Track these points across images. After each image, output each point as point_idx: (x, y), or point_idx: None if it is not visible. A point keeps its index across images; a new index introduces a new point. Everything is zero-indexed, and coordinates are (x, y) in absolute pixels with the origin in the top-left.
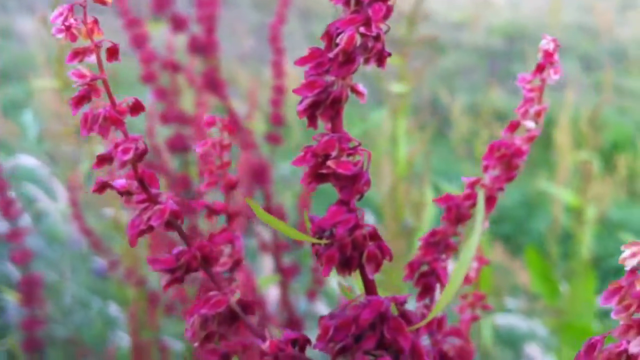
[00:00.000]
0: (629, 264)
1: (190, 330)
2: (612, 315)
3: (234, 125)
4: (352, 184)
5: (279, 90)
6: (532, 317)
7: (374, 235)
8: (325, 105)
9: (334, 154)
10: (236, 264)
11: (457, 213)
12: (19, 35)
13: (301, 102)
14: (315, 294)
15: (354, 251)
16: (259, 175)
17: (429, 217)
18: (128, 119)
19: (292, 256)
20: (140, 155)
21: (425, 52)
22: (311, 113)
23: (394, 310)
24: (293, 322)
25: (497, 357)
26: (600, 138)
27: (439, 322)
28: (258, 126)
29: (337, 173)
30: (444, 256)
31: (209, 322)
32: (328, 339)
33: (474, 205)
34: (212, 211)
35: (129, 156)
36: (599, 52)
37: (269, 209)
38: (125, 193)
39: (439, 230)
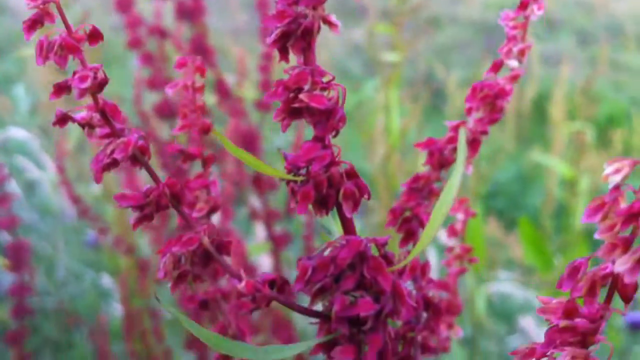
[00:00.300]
0: (613, 180)
1: (162, 269)
2: (596, 235)
3: (203, 69)
4: (327, 119)
5: (267, 57)
6: (526, 289)
7: (351, 173)
8: (296, 37)
9: (306, 87)
10: (213, 210)
11: (440, 157)
12: (12, 11)
13: (271, 33)
14: None
15: (330, 189)
16: (249, 143)
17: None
18: (115, 87)
19: (283, 225)
20: (100, 85)
21: (420, 25)
22: (282, 45)
23: (375, 252)
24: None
25: (491, 329)
26: (594, 109)
27: (423, 269)
28: (247, 94)
29: (311, 107)
30: (426, 202)
31: (182, 261)
32: (306, 279)
33: (456, 149)
34: (187, 156)
35: (87, 84)
36: (594, 27)
37: (259, 177)
38: (87, 125)
39: (422, 175)
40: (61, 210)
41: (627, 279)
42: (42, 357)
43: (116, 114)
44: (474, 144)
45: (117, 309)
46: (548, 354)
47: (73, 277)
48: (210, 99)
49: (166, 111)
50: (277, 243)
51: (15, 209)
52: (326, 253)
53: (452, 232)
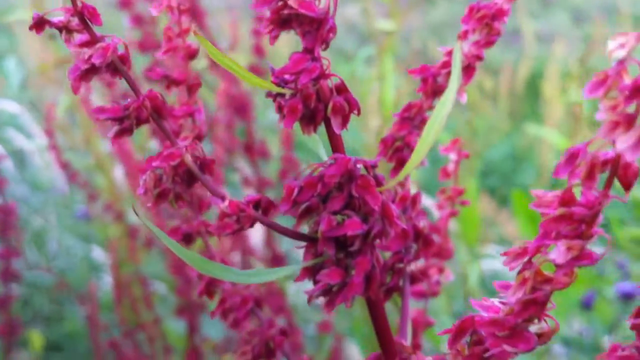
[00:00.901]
0: (617, 56)
1: (142, 187)
2: (597, 116)
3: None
4: (317, 29)
5: (259, 21)
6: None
7: (341, 88)
8: None
9: None
10: (198, 138)
11: (433, 84)
12: None
13: None
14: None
15: (318, 103)
16: (240, 109)
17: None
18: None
19: (275, 193)
20: None
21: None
22: None
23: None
24: (276, 258)
25: None
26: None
27: (413, 199)
28: (240, 58)
29: (300, 15)
30: (418, 131)
31: (163, 179)
32: (292, 200)
33: (450, 74)
34: (171, 81)
35: None
36: (589, 5)
37: (251, 145)
38: (64, 29)
39: (415, 103)
40: (52, 184)
41: (628, 157)
42: (33, 330)
43: (95, 17)
44: (468, 70)
45: (108, 282)
46: (542, 250)
47: (64, 250)
48: (201, 63)
49: (157, 75)
50: (268, 209)
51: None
52: (314, 173)
53: (445, 173)
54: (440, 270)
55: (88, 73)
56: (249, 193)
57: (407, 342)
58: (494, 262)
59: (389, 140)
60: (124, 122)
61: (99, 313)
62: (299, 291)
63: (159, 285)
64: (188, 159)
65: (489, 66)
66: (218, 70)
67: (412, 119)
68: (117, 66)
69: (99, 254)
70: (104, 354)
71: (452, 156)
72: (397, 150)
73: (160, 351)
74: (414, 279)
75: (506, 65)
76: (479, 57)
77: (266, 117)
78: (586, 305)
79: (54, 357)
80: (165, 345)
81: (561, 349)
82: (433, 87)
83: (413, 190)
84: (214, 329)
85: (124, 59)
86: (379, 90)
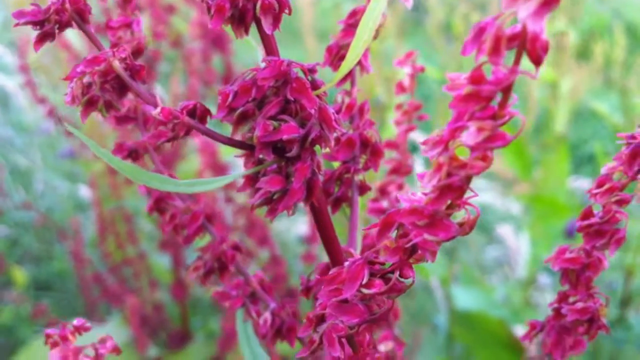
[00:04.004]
0: None
1: (70, 94)
2: None
3: None
4: None
5: None
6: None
7: None
8: None
9: None
10: (137, 51)
11: None
12: None
13: None
14: None
15: (247, 1)
16: (217, 40)
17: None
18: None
19: None
20: None
21: None
22: None
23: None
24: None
25: (470, 240)
26: (578, 10)
27: (361, 108)
28: None
29: None
30: None
31: (92, 86)
32: (227, 106)
33: None
34: None
35: None
36: None
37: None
38: None
39: (359, 9)
40: (36, 125)
41: (531, 25)
42: (23, 269)
43: None
44: None
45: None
46: (456, 135)
47: (50, 190)
48: None
49: None
50: None
51: None
52: (247, 77)
53: (400, 88)
54: (400, 187)
55: None
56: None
57: (356, 251)
58: (482, 195)
59: (333, 48)
60: (45, 26)
61: (84, 249)
62: (289, 229)
63: (143, 221)
64: (116, 64)
65: (478, 3)
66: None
67: (357, 25)
68: None
69: (85, 192)
70: (90, 288)
71: (407, 69)
72: (342, 57)
73: (146, 285)
74: (363, 189)
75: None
76: None
77: (248, 53)
78: (569, 233)
79: (44, 296)
80: (150, 279)
81: (546, 280)
82: None
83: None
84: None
85: None
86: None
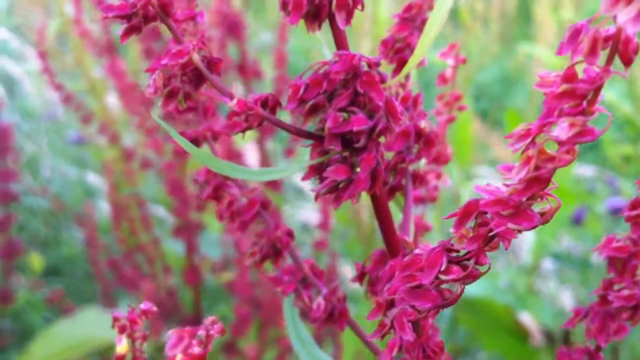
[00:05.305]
0: None
1: (152, 85)
2: None
3: None
4: None
5: None
6: None
7: None
8: None
9: None
10: (201, 42)
11: None
12: None
13: None
14: (293, 151)
15: None
16: (233, 27)
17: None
18: None
19: None
20: None
21: None
22: None
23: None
24: (270, 181)
25: None
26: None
27: (415, 100)
28: None
29: None
30: (418, 32)
31: (172, 78)
32: (298, 98)
33: None
34: None
35: None
36: None
37: (244, 65)
38: None
39: (415, 4)
40: (43, 111)
41: (629, 30)
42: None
43: None
44: None
45: (103, 207)
46: (545, 129)
47: (58, 175)
48: None
49: None
50: (262, 131)
51: None
52: (319, 71)
53: (442, 79)
54: (438, 176)
55: None
56: None
57: (410, 238)
58: (485, 182)
59: (389, 41)
60: (132, 20)
61: (97, 235)
62: (292, 215)
63: (156, 207)
64: (196, 57)
65: None
66: None
67: (413, 19)
68: None
69: (93, 178)
70: (104, 274)
71: (450, 61)
72: (398, 51)
73: (159, 271)
74: (416, 178)
75: None
76: None
77: (259, 38)
78: (576, 221)
79: (53, 281)
80: (164, 265)
81: (551, 265)
82: None
83: (415, 92)
84: (212, 248)
85: None
86: (373, 12)
